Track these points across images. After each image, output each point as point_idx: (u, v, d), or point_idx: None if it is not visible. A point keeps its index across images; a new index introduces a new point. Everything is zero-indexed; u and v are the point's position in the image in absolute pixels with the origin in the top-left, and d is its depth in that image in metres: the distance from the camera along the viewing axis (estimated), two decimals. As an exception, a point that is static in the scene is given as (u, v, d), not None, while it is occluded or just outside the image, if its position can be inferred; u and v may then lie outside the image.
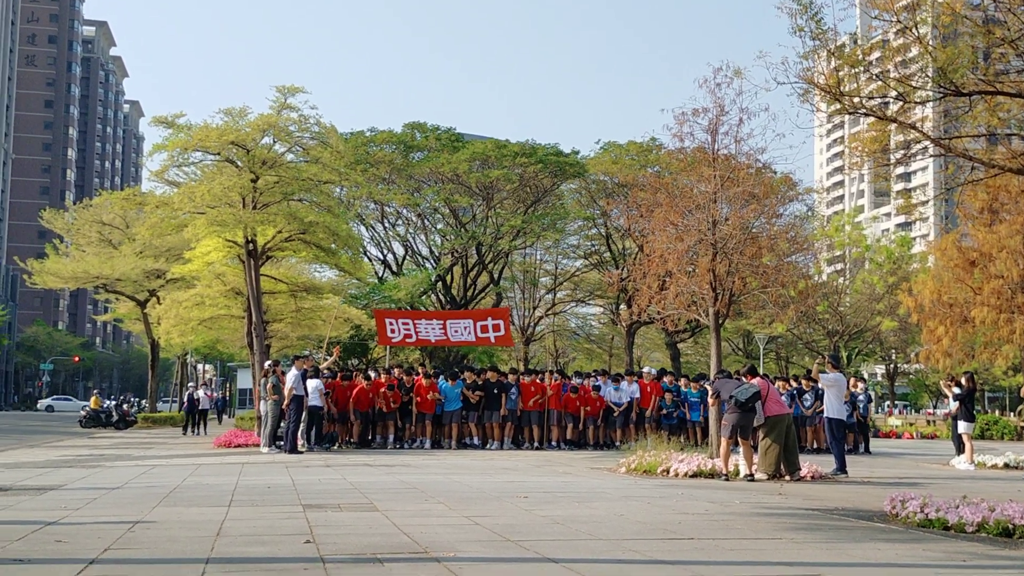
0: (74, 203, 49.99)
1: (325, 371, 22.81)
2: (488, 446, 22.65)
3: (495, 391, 22.73)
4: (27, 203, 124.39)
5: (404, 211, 48.19)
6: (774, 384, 16.94)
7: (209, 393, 36.62)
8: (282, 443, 20.75)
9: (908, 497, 9.80)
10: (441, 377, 23.57)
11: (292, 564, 6.50)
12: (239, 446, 22.86)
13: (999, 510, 8.85)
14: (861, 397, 23.28)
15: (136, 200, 38.62)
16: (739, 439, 14.75)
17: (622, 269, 39.09)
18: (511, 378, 23.57)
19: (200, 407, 34.12)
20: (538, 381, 23.36)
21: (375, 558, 6.70)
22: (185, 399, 35.33)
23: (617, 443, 22.87)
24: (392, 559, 6.69)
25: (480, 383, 23.02)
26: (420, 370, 24.59)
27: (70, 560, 6.56)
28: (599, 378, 24.47)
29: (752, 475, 14.39)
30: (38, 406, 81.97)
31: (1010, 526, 8.52)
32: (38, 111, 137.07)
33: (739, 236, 17.54)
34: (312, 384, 20.97)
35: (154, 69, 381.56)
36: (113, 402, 45.54)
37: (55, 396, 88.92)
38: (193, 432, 32.84)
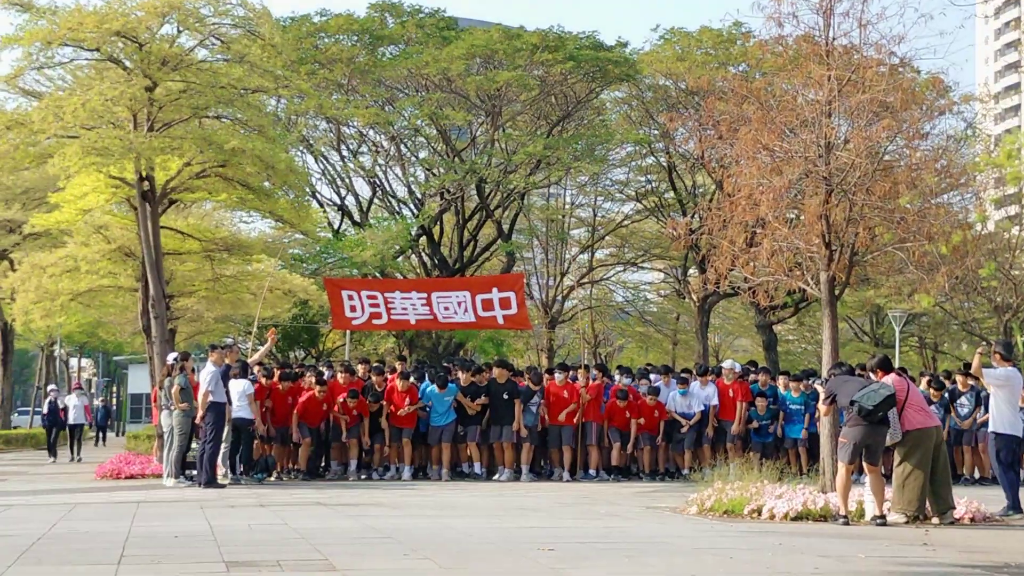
0: None
1: (256, 369, 22.86)
2: (497, 476, 22.74)
3: (505, 396, 22.79)
4: None
5: (371, 133, 48.12)
6: (916, 384, 16.94)
7: (85, 402, 36.13)
8: (195, 472, 20.87)
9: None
10: (426, 378, 23.58)
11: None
12: (132, 477, 22.98)
13: None
14: None
15: (-23, 118, 38.68)
16: (864, 464, 14.74)
17: (692, 216, 38.96)
18: (530, 381, 23.54)
19: (72, 421, 33.95)
20: (571, 382, 23.35)
21: (332, 638, 6.74)
22: (46, 408, 34.87)
23: (684, 470, 22.89)
24: (357, 640, 6.73)
25: (483, 384, 23.05)
26: (398, 366, 24.54)
27: None
28: (659, 377, 24.47)
29: (883, 517, 14.39)
30: None
31: None
32: None
33: (865, 166, 17.47)
34: (238, 387, 21.03)
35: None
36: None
37: None
38: (72, 457, 32.94)
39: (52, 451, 32.92)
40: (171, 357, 22.12)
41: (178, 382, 21.02)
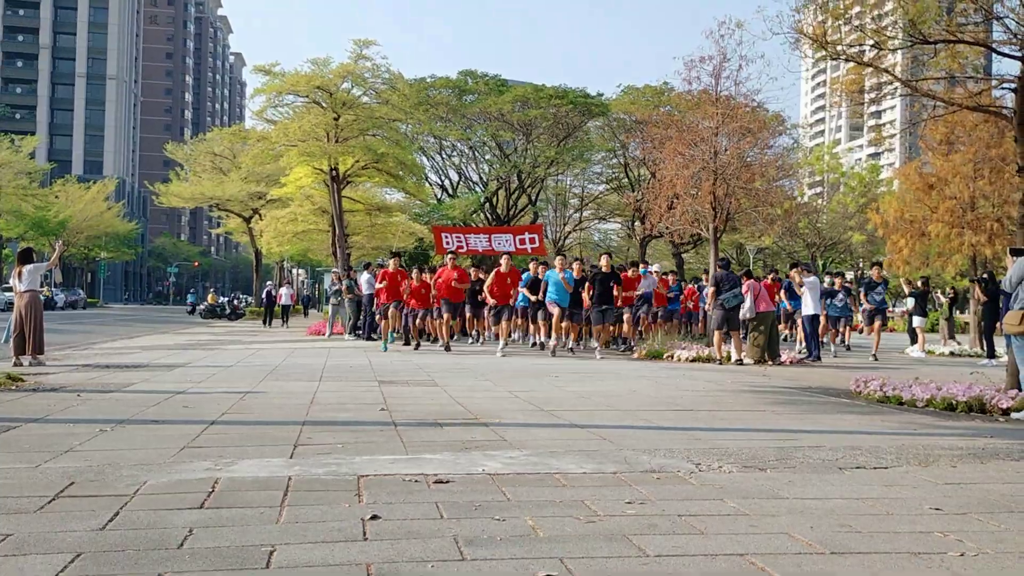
0: (191, 137, 50.10)
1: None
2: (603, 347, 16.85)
3: (611, 284, 16.01)
4: (153, 137, 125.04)
5: (458, 144, 47.72)
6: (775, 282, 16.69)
7: (291, 291, 33.31)
8: (360, 332, 21.11)
9: (870, 378, 9.76)
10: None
11: (370, 427, 6.63)
12: (323, 334, 23.26)
13: (944, 389, 8.80)
14: (878, 292, 18.46)
15: (241, 135, 38.73)
16: (729, 330, 14.75)
17: (637, 192, 38.62)
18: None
19: (283, 303, 31.48)
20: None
21: (435, 423, 6.82)
22: (264, 295, 32.66)
23: (639, 335, 18.91)
24: (449, 423, 6.80)
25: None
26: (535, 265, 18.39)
27: (195, 421, 6.73)
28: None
29: (741, 360, 14.40)
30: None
31: (953, 402, 8.48)
32: (160, 62, 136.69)
33: (736, 164, 17.27)
34: (363, 278, 21.17)
35: (253, 25, 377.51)
36: (226, 299, 46.25)
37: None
38: (272, 323, 30.73)
39: (266, 322, 30.76)
40: (336, 271, 22.27)
41: (346, 283, 21.27)
